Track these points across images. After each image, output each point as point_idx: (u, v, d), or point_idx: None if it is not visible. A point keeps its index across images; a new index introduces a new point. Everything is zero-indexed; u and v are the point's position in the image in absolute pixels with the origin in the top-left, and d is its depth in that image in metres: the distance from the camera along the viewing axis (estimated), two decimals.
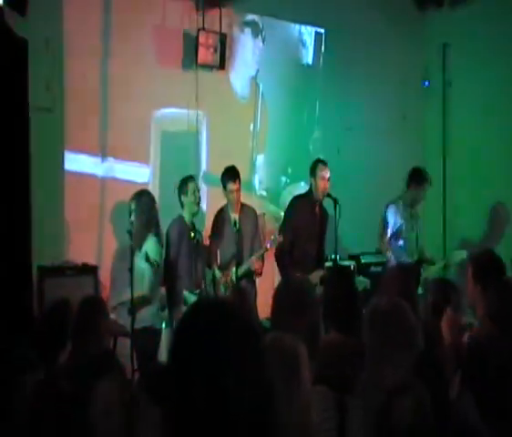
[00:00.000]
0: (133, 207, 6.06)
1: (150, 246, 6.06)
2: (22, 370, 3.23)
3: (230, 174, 6.52)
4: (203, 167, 7.61)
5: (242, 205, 6.70)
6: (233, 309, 1.57)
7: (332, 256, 6.53)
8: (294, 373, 2.21)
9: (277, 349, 2.26)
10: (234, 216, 6.55)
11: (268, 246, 6.53)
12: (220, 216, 6.67)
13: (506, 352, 2.75)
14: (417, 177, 7.15)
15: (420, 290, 6.39)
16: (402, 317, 2.90)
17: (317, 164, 6.83)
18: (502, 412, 2.56)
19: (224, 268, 6.52)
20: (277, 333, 2.47)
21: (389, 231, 7.12)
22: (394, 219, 7.12)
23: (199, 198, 6.46)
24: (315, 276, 6.29)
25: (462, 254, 7.07)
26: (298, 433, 2.12)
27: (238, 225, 6.43)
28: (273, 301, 3.26)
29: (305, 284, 3.49)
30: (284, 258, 6.62)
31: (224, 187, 6.55)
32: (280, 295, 3.32)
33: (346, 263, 6.75)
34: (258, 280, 6.70)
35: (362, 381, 2.83)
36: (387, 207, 7.16)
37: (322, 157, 7.09)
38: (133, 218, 5.99)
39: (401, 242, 7.17)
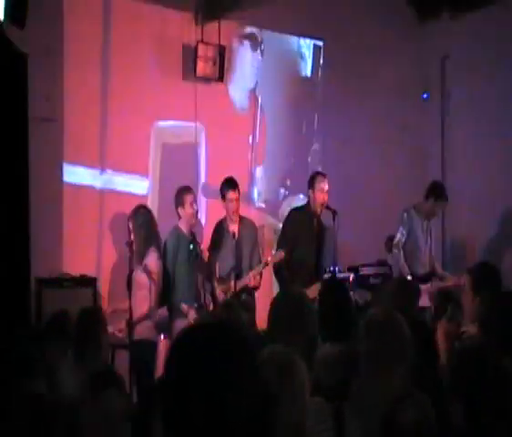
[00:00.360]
0: (131, 226, 6.06)
1: (151, 260, 6.05)
2: (23, 374, 3.23)
3: (230, 183, 6.53)
4: (202, 179, 7.60)
5: (241, 218, 6.68)
6: (230, 325, 1.60)
7: (331, 268, 6.50)
8: (292, 388, 2.20)
9: (275, 363, 2.26)
10: (233, 228, 6.55)
11: (269, 260, 6.51)
12: (219, 228, 6.65)
13: (494, 361, 2.73)
14: (437, 192, 7.08)
15: (428, 303, 6.42)
16: (396, 328, 2.92)
17: (316, 176, 6.82)
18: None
19: (223, 281, 6.52)
20: (275, 347, 2.47)
21: (399, 237, 7.06)
22: (402, 228, 7.09)
23: (197, 209, 6.46)
24: (314, 289, 6.24)
25: None
26: None
27: (237, 237, 6.42)
28: (270, 312, 3.26)
29: (303, 295, 3.49)
30: (283, 271, 6.59)
31: (223, 196, 6.55)
32: (277, 306, 3.32)
33: (345, 275, 6.71)
34: (256, 293, 6.68)
35: (358, 388, 2.83)
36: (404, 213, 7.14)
37: (321, 170, 7.08)
38: (132, 236, 6.00)
39: (398, 252, 7.08)
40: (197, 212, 6.43)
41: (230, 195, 6.49)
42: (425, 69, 8.87)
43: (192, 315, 6.04)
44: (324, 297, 4.17)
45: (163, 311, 6.20)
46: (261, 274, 6.58)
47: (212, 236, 6.67)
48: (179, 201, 6.31)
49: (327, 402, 2.54)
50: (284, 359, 2.28)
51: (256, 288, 6.60)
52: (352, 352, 3.17)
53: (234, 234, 6.44)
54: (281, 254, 6.49)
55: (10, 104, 5.90)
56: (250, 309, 6.48)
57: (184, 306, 6.13)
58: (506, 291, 4.08)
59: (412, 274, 6.81)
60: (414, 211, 7.10)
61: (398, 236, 7.05)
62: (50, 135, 6.46)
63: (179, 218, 6.33)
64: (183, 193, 6.33)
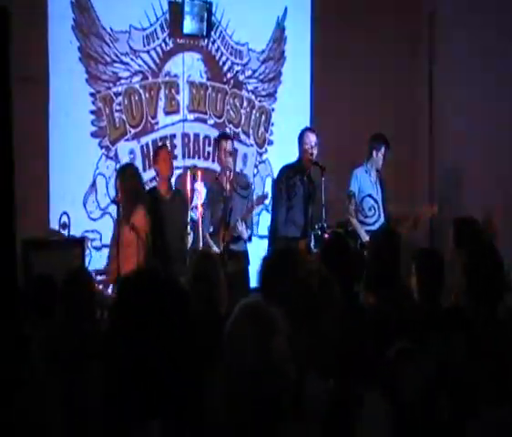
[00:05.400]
0: (118, 184, 6.05)
1: (139, 217, 6.05)
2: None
3: (225, 134, 6.86)
4: None
5: (236, 173, 6.78)
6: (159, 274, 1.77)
7: (320, 224, 6.48)
8: (268, 337, 2.19)
9: (251, 312, 2.25)
10: (227, 185, 6.53)
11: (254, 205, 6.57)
12: (213, 185, 6.70)
13: None
14: (377, 142, 7.18)
15: None
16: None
17: (305, 131, 6.83)
18: None
19: (215, 234, 6.54)
20: (253, 298, 2.46)
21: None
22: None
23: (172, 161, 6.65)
24: (300, 245, 6.25)
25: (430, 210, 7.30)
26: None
27: (230, 192, 6.46)
28: (261, 268, 3.23)
29: (292, 249, 3.46)
30: (276, 230, 6.61)
31: (219, 148, 6.64)
32: (267, 261, 3.29)
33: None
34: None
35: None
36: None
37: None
38: (119, 194, 5.98)
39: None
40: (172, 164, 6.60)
41: (229, 145, 6.56)
42: (414, 26, 8.76)
43: None
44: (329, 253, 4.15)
45: None
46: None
47: (207, 193, 6.70)
48: (155, 158, 6.45)
49: None
50: (261, 308, 2.27)
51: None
52: None
53: (227, 189, 6.46)
54: (265, 198, 6.55)
55: None
56: (241, 260, 6.52)
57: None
58: (488, 242, 4.10)
59: None
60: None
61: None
62: (35, 93, 6.38)
63: (157, 174, 6.44)
64: (158, 149, 6.55)
